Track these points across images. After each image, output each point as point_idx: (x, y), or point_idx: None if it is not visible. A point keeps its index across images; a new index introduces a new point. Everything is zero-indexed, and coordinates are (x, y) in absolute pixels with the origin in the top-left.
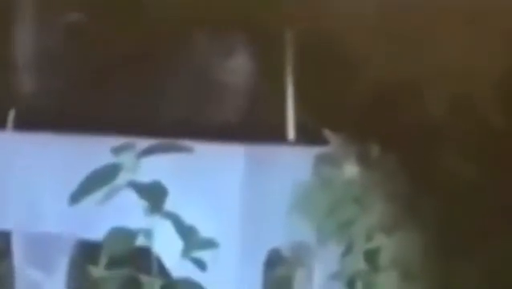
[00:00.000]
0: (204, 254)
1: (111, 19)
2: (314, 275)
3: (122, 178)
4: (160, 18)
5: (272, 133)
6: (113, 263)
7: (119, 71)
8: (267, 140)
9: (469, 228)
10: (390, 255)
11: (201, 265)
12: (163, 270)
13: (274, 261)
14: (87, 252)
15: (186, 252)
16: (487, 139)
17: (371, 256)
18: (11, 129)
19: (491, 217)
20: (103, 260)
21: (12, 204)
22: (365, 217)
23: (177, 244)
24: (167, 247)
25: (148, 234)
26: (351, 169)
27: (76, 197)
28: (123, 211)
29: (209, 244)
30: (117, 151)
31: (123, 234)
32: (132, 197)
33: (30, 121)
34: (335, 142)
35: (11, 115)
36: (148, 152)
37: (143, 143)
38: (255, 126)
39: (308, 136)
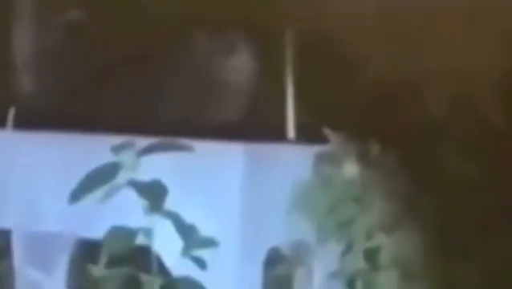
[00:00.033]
0: (204, 253)
1: (111, 19)
2: (314, 274)
3: (122, 177)
4: (160, 18)
5: (272, 132)
6: (113, 262)
7: (119, 71)
8: (267, 139)
9: (469, 228)
10: (390, 254)
11: (200, 264)
12: (163, 269)
13: (273, 260)
14: (87, 251)
15: (186, 251)
16: (487, 139)
17: (371, 255)
18: (11, 128)
19: (491, 217)
20: (103, 259)
21: (12, 203)
22: (365, 216)
23: (177, 243)
24: (167, 246)
25: (148, 232)
26: (351, 168)
27: (76, 195)
28: (123, 210)
29: (209, 243)
30: (117, 150)
31: (123, 233)
32: (131, 195)
33: (30, 120)
34: (335, 141)
35: (11, 114)
36: (148, 150)
37: (143, 142)
38: (255, 125)
39: (308, 135)
